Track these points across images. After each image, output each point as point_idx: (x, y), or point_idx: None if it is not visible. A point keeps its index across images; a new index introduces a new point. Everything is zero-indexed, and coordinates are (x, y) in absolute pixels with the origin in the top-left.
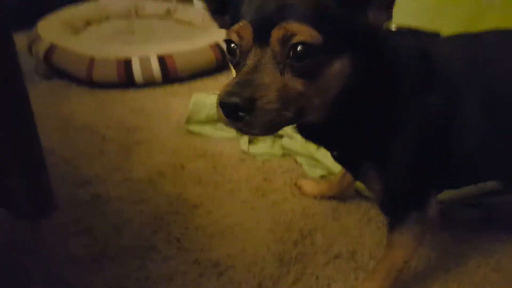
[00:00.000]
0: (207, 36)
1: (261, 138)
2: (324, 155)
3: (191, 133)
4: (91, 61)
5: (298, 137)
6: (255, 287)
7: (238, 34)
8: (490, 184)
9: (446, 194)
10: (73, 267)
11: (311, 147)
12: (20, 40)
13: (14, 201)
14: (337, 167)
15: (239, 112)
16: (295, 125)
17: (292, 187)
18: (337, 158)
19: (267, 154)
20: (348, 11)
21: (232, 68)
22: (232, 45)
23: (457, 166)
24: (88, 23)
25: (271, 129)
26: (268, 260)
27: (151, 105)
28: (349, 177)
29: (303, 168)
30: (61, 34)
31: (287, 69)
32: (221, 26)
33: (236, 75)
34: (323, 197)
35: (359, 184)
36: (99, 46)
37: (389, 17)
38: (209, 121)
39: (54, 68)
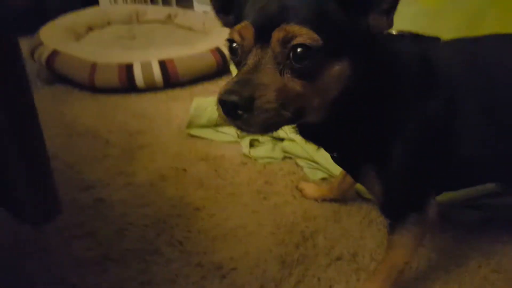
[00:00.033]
0: (207, 40)
1: (262, 141)
2: (325, 158)
3: (192, 136)
4: (93, 66)
5: (299, 139)
6: None
7: (240, 34)
8: (490, 186)
9: (446, 196)
10: (76, 270)
11: (312, 150)
12: (23, 45)
13: (20, 205)
14: (337, 170)
15: (237, 110)
16: (295, 125)
17: (293, 190)
18: (337, 160)
19: (268, 157)
20: (349, 15)
21: (233, 68)
22: (234, 44)
23: (456, 168)
24: (89, 28)
25: (269, 128)
26: (270, 263)
27: (153, 109)
28: (349, 179)
29: (304, 171)
30: (63, 39)
31: (287, 70)
32: (225, 25)
33: (236, 74)
34: (324, 199)
35: (359, 186)
36: (101, 52)
37: (390, 23)
38: (210, 125)
39: (56, 74)
